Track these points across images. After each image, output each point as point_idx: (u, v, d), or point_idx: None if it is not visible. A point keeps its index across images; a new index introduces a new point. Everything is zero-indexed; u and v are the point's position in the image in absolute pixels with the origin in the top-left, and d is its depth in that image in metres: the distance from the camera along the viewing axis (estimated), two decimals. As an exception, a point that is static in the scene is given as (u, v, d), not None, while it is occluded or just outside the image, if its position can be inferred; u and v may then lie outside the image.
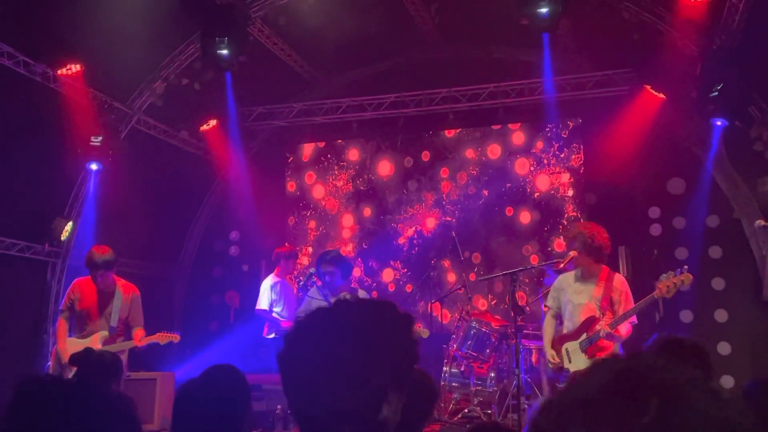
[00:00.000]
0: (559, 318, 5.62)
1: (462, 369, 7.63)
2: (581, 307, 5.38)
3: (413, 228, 10.18)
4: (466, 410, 7.38)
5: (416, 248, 10.13)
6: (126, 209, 8.58)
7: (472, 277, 9.42)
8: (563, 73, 8.88)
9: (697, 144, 8.49)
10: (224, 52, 7.88)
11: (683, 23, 7.46)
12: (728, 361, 8.14)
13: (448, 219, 10.01)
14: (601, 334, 5.17)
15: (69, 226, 8.72)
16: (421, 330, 6.11)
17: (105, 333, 6.13)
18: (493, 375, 7.50)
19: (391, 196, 10.36)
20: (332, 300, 6.10)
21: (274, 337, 7.50)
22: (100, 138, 8.25)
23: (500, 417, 7.22)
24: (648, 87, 8.27)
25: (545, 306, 7.44)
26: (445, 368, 7.64)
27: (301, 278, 8.34)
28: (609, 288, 5.33)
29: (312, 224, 10.73)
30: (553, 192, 9.61)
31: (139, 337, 6.19)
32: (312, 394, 1.37)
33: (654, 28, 7.81)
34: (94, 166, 8.59)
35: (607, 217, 7.21)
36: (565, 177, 9.59)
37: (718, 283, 8.48)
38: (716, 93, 7.21)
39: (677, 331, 7.90)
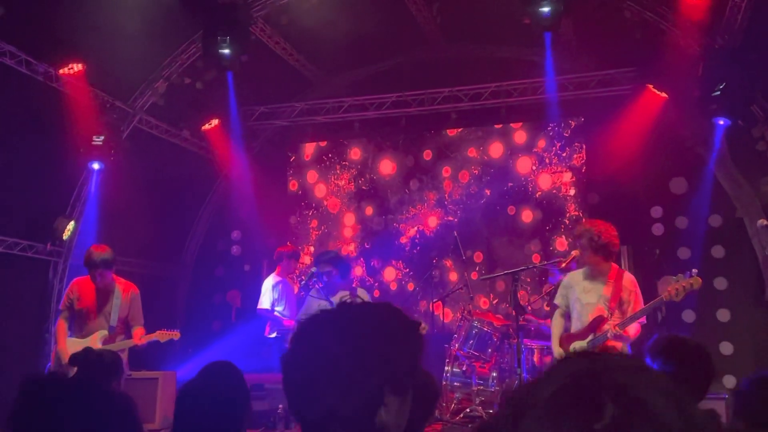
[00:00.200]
0: (567, 316, 5.57)
1: (464, 368, 7.62)
2: (590, 307, 5.32)
3: (415, 228, 10.18)
4: (467, 410, 7.37)
5: (418, 247, 10.12)
6: (128, 209, 8.58)
7: (474, 276, 9.42)
8: (565, 73, 8.88)
9: (700, 143, 8.48)
10: (226, 51, 7.88)
11: (686, 22, 7.45)
12: (730, 361, 8.12)
13: (450, 219, 10.01)
14: (608, 335, 5.13)
15: (71, 225, 8.72)
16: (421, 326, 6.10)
17: (104, 332, 6.13)
18: (495, 375, 7.49)
19: (393, 196, 10.36)
20: (333, 299, 6.15)
21: (275, 337, 7.50)
22: (101, 137, 8.25)
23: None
24: (650, 86, 8.26)
25: (551, 304, 7.43)
26: (446, 368, 7.63)
27: (302, 277, 8.35)
28: (618, 287, 5.26)
29: (314, 223, 10.73)
30: (555, 191, 9.60)
31: (139, 336, 6.19)
32: (310, 396, 1.37)
33: (656, 27, 7.80)
34: (96, 166, 8.60)
35: (609, 217, 7.15)
36: (567, 176, 9.58)
37: (720, 283, 8.46)
38: (719, 92, 7.19)
39: (680, 330, 7.88)
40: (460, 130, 10.12)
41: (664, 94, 8.23)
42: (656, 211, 8.93)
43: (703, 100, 7.47)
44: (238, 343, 8.88)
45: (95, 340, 6.06)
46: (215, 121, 9.75)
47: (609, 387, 0.84)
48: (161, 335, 6.26)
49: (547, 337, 7.33)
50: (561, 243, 9.41)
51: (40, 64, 7.77)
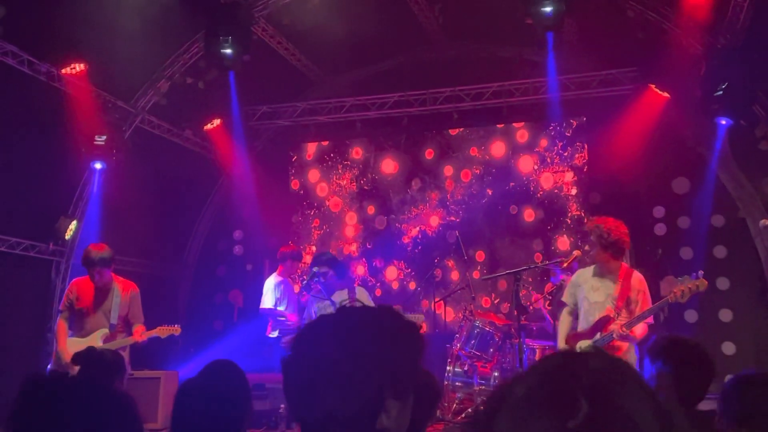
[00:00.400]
0: (575, 314, 5.54)
1: (465, 368, 7.61)
2: (597, 305, 5.27)
3: (417, 227, 10.18)
4: (469, 410, 7.36)
5: (420, 247, 10.13)
6: (130, 208, 8.59)
7: (476, 275, 9.43)
8: (567, 72, 8.87)
9: (702, 143, 8.47)
10: (228, 51, 7.88)
11: (688, 22, 7.44)
12: (732, 361, 8.11)
13: (452, 219, 10.01)
14: (614, 336, 5.11)
15: (73, 225, 8.74)
16: (416, 316, 6.16)
17: (105, 330, 6.13)
18: (496, 374, 7.49)
19: (395, 196, 10.36)
20: (333, 298, 6.20)
21: (277, 336, 7.51)
22: (104, 137, 8.25)
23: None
24: (652, 86, 8.25)
25: (552, 304, 7.43)
26: (448, 368, 7.63)
27: (304, 277, 8.35)
28: (627, 286, 5.20)
29: (316, 223, 10.74)
30: (556, 191, 9.60)
31: (140, 333, 6.19)
32: (310, 400, 1.37)
33: (658, 27, 7.79)
34: (98, 165, 8.60)
35: (611, 216, 7.18)
36: (569, 176, 9.58)
37: (722, 283, 8.45)
38: (721, 92, 7.18)
39: (682, 330, 7.88)
40: (461, 129, 10.12)
41: (666, 94, 8.22)
42: (658, 211, 8.92)
43: (706, 99, 7.46)
44: (239, 342, 8.89)
45: (96, 339, 6.07)
46: (217, 121, 9.76)
47: (584, 385, 0.83)
48: (161, 331, 6.26)
49: (549, 337, 7.34)
50: (563, 242, 9.41)
51: (43, 63, 7.78)
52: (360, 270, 10.33)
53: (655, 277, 8.32)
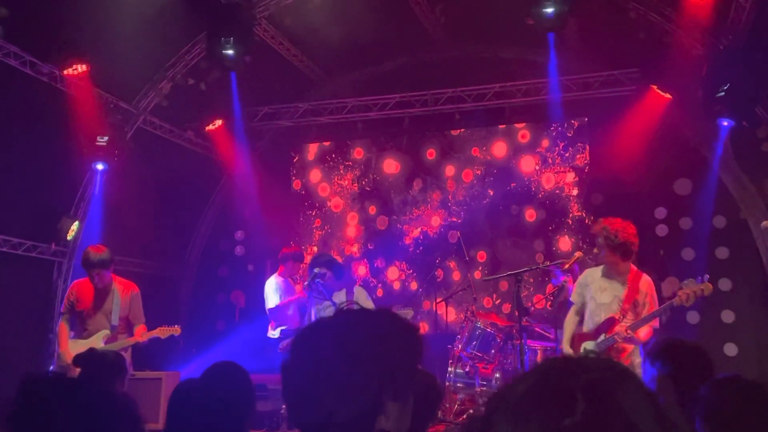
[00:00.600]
0: (581, 314, 5.53)
1: (467, 369, 7.61)
2: (604, 306, 5.26)
3: (419, 228, 10.18)
4: (470, 411, 7.36)
5: (421, 248, 10.13)
6: (132, 209, 8.60)
7: (477, 275, 9.43)
8: (569, 73, 8.86)
9: (704, 144, 8.46)
10: (230, 52, 7.89)
11: (690, 23, 7.43)
12: (735, 363, 8.10)
13: (454, 219, 10.01)
14: (617, 338, 5.11)
15: (75, 225, 8.75)
16: (405, 311, 6.19)
17: (106, 331, 6.15)
18: (498, 375, 7.48)
19: (397, 196, 10.36)
20: (332, 299, 6.24)
21: (278, 337, 7.52)
22: (106, 138, 8.26)
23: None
24: (654, 87, 8.24)
25: (554, 305, 7.42)
26: (450, 369, 7.63)
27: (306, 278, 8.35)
28: (634, 289, 5.19)
29: (317, 223, 10.74)
30: (558, 191, 9.59)
31: (140, 333, 6.20)
32: (309, 403, 1.37)
33: (660, 27, 7.79)
34: (100, 166, 8.61)
35: (612, 217, 7.18)
36: (571, 176, 9.57)
37: (724, 284, 8.44)
38: (723, 93, 7.17)
39: (684, 332, 7.86)
40: (463, 130, 10.12)
41: (668, 95, 8.21)
42: (660, 212, 8.91)
43: (708, 100, 7.45)
44: (241, 343, 8.89)
45: (97, 340, 6.08)
46: (219, 122, 9.76)
47: (581, 384, 0.85)
48: (162, 331, 6.27)
49: (550, 339, 7.33)
50: (564, 243, 9.40)
51: (45, 65, 7.79)
52: (361, 270, 10.33)
53: (656, 278, 8.31)
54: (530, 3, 7.09)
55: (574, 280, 7.28)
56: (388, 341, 1.43)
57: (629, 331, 5.06)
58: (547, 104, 9.14)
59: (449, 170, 10.14)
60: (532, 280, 9.27)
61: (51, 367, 6.51)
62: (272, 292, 7.67)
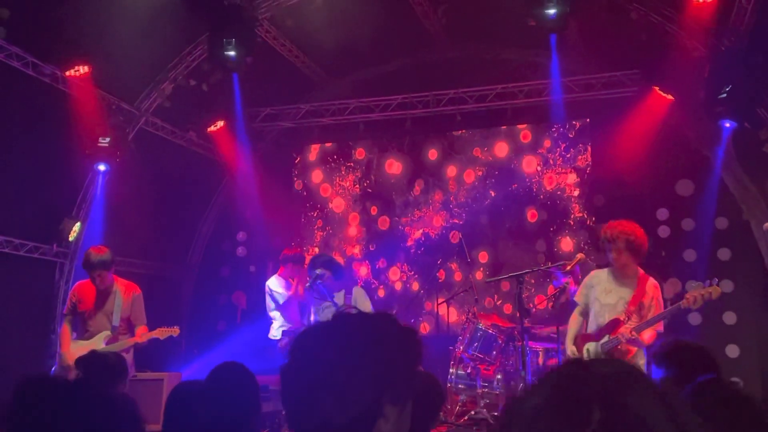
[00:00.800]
0: (585, 315, 5.53)
1: (468, 371, 7.61)
2: (608, 308, 5.26)
3: (420, 229, 10.18)
4: (472, 412, 7.36)
5: (423, 249, 10.12)
6: (134, 210, 8.61)
7: (479, 275, 9.42)
8: (571, 74, 8.86)
9: (706, 145, 8.45)
10: (232, 53, 7.89)
11: (691, 24, 7.43)
12: (736, 364, 8.10)
13: (455, 220, 10.01)
14: (621, 338, 5.11)
15: (77, 226, 8.75)
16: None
17: (107, 332, 6.15)
18: (499, 377, 7.48)
19: (398, 197, 10.36)
20: (335, 298, 6.25)
21: (280, 338, 7.52)
22: (108, 139, 8.27)
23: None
24: (656, 88, 8.24)
25: (555, 306, 7.41)
26: (451, 370, 7.63)
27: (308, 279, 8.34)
28: (641, 291, 5.20)
29: (319, 224, 10.74)
30: (559, 192, 9.59)
31: (140, 334, 6.22)
32: (307, 407, 1.37)
33: (662, 29, 7.78)
34: (102, 167, 8.62)
35: (614, 219, 7.17)
36: (572, 177, 9.57)
37: (726, 286, 8.40)
38: (725, 94, 7.16)
39: (685, 333, 7.85)
40: (464, 131, 10.12)
41: (669, 96, 8.20)
42: (662, 213, 8.90)
43: (709, 102, 7.44)
44: (243, 344, 8.88)
45: (98, 341, 6.09)
46: (221, 123, 9.77)
47: (595, 393, 0.84)
48: (161, 332, 6.28)
49: (551, 340, 7.33)
50: (566, 244, 9.40)
51: (47, 65, 7.80)
52: (363, 271, 10.33)
53: (658, 279, 8.28)
54: (532, 4, 7.09)
55: (576, 282, 7.29)
56: (386, 345, 1.43)
57: (633, 333, 5.05)
58: (548, 105, 9.14)
59: (451, 171, 10.14)
60: (533, 282, 9.26)
61: (53, 368, 6.51)
62: (277, 290, 7.68)
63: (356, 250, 10.46)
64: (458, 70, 9.65)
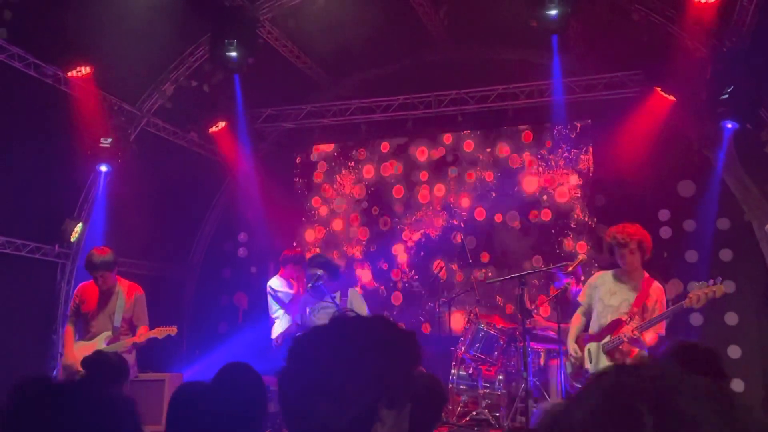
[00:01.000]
0: (588, 315, 5.53)
1: (470, 371, 7.61)
2: (611, 309, 5.28)
3: (421, 230, 10.17)
4: (474, 413, 7.36)
5: (424, 250, 10.12)
6: (135, 211, 8.61)
7: (478, 275, 9.42)
8: (572, 75, 8.86)
9: (708, 146, 8.44)
10: (233, 54, 7.90)
11: (693, 25, 7.42)
12: (738, 365, 8.08)
13: (456, 222, 10.00)
14: (623, 338, 5.11)
15: (79, 227, 8.76)
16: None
17: (108, 333, 6.16)
18: (501, 378, 7.48)
19: (400, 198, 10.36)
20: (327, 301, 6.27)
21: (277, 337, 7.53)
22: (109, 140, 8.29)
23: (508, 420, 7.20)
24: (658, 89, 8.23)
25: (556, 308, 7.41)
26: (453, 371, 7.63)
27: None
28: (645, 294, 5.22)
29: (319, 226, 10.74)
30: (561, 193, 9.58)
31: (139, 334, 6.22)
32: (305, 410, 1.37)
33: (664, 30, 7.77)
34: (103, 168, 8.63)
35: (616, 219, 7.17)
36: (574, 178, 9.56)
37: (728, 286, 8.39)
38: (727, 95, 7.16)
39: (687, 334, 7.86)
40: (466, 131, 10.12)
41: (671, 97, 8.19)
42: (664, 214, 8.90)
43: (711, 103, 7.44)
44: (244, 344, 8.89)
45: (100, 341, 6.10)
46: (222, 124, 9.77)
47: (646, 399, 0.83)
48: (159, 332, 6.28)
49: (553, 341, 7.32)
50: (568, 245, 9.39)
51: (49, 66, 7.81)
52: (364, 272, 10.33)
53: (660, 280, 8.28)
54: (533, 5, 7.09)
55: (577, 283, 7.30)
56: (382, 349, 1.43)
57: (636, 332, 5.05)
58: (550, 106, 9.13)
59: (452, 172, 10.13)
60: (537, 283, 9.26)
61: (56, 370, 6.52)
62: (281, 289, 7.68)
63: (357, 251, 10.46)
64: (460, 70, 9.65)
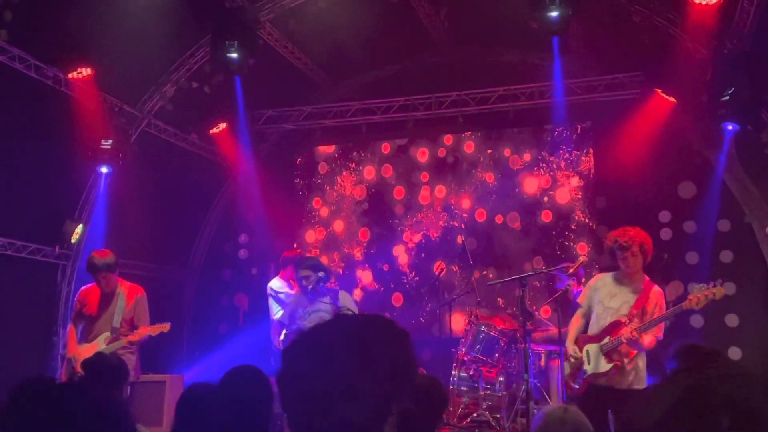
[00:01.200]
0: (587, 317, 5.54)
1: (471, 373, 7.60)
2: (611, 311, 5.29)
3: (421, 232, 10.18)
4: (474, 414, 7.35)
5: (424, 251, 10.12)
6: (136, 212, 8.62)
7: (477, 274, 9.41)
8: (573, 77, 8.86)
9: (708, 148, 8.45)
10: (234, 55, 7.90)
11: (694, 27, 7.42)
12: (739, 367, 8.07)
13: (456, 223, 10.01)
14: (623, 338, 5.12)
15: (79, 228, 8.76)
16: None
17: (107, 334, 6.17)
18: (501, 379, 7.47)
19: (400, 200, 10.36)
20: (319, 303, 6.27)
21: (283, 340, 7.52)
22: (110, 141, 8.29)
23: (509, 421, 7.19)
24: (658, 91, 8.23)
25: (557, 309, 7.41)
26: (453, 372, 7.62)
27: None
28: (645, 297, 5.23)
29: (320, 227, 10.74)
30: (562, 195, 9.58)
31: (136, 332, 6.22)
32: (314, 409, 1.37)
33: (665, 31, 7.78)
34: (104, 169, 8.63)
35: (616, 221, 7.17)
36: (575, 180, 9.57)
37: (728, 288, 8.38)
38: (727, 97, 7.16)
39: (688, 336, 7.86)
40: (467, 133, 10.12)
41: (672, 99, 8.19)
42: (664, 216, 8.90)
43: (712, 104, 7.44)
44: (244, 346, 8.90)
45: (100, 342, 6.11)
46: (223, 125, 9.77)
47: (721, 400, 0.84)
48: (153, 329, 6.28)
49: (554, 342, 7.32)
50: (568, 247, 9.39)
51: (50, 68, 7.81)
52: (365, 273, 10.33)
53: (660, 282, 8.28)
54: (534, 7, 7.09)
55: (578, 284, 7.30)
56: (388, 343, 1.44)
57: (635, 333, 5.06)
58: (551, 108, 9.13)
59: (453, 173, 10.13)
60: (538, 285, 9.26)
61: (59, 371, 6.53)
62: (282, 290, 7.68)
63: (358, 252, 10.46)
64: (460, 72, 9.65)
